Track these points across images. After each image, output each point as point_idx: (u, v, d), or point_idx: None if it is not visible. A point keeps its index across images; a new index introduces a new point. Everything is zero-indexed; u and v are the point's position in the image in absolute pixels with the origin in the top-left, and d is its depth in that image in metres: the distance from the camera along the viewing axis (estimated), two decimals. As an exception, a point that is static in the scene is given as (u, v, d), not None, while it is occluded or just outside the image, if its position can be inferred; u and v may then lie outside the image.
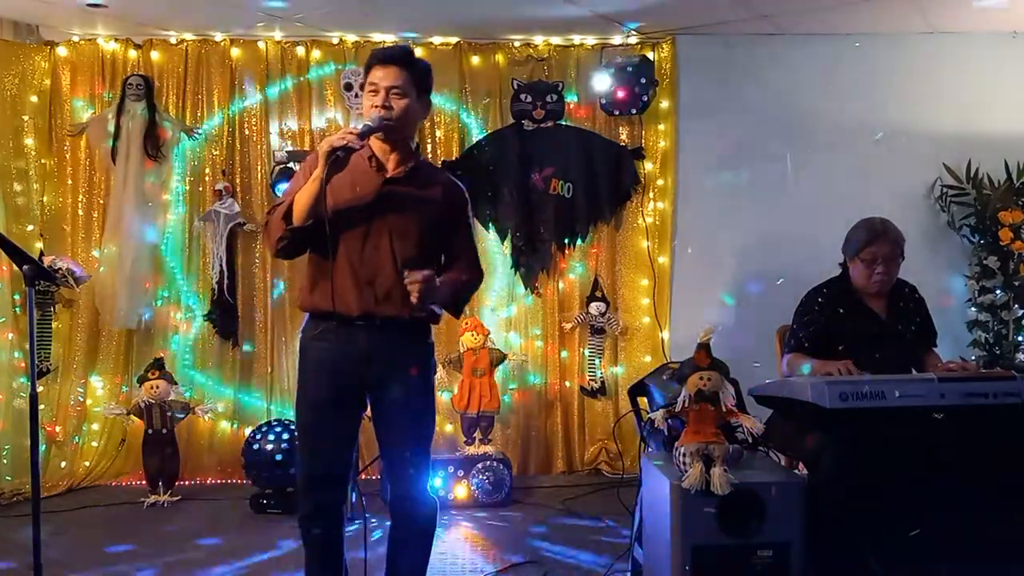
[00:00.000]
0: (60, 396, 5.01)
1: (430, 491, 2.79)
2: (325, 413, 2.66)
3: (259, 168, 5.15)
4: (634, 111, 5.14)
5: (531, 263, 5.24)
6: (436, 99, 5.20)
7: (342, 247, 2.60)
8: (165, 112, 5.09)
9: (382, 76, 2.60)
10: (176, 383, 4.80)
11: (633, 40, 5.23)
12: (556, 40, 5.24)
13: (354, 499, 4.34)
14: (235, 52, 5.14)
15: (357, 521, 4.24)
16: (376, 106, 2.59)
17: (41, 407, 3.40)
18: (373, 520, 4.23)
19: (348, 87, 5.05)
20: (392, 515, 2.78)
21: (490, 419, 4.79)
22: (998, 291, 4.97)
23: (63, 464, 4.94)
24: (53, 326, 4.99)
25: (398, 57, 2.64)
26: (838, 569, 2.78)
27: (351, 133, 2.51)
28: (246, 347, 5.15)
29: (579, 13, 4.75)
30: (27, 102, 5.01)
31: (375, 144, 2.66)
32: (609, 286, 5.27)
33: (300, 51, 5.16)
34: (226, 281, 5.04)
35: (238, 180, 5.15)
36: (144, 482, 4.71)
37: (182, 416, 4.73)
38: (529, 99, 5.12)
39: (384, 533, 2.87)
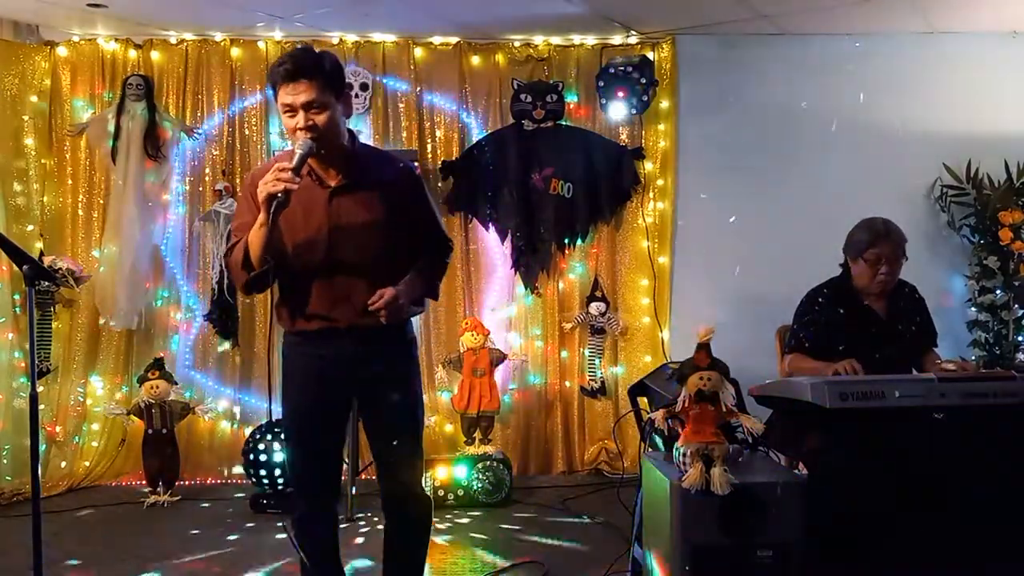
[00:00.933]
0: (60, 396, 5.01)
1: (424, 489, 2.78)
2: (312, 417, 2.65)
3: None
4: (634, 111, 5.14)
5: (531, 263, 5.24)
6: (436, 99, 5.22)
7: (310, 270, 2.56)
8: (165, 112, 5.09)
9: (294, 94, 2.43)
10: (176, 383, 4.81)
11: (633, 40, 5.23)
12: (556, 40, 5.24)
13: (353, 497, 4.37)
14: (235, 52, 5.14)
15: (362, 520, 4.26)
16: (300, 128, 2.44)
17: (41, 407, 3.40)
18: (363, 520, 4.23)
19: (348, 87, 5.04)
20: (386, 515, 2.77)
21: (490, 419, 4.79)
22: (998, 291, 4.97)
23: (63, 464, 4.94)
24: (53, 326, 4.99)
25: (305, 69, 2.43)
26: (838, 569, 2.78)
27: (284, 171, 2.37)
28: (246, 347, 5.15)
29: (579, 13, 4.75)
30: (27, 102, 5.01)
31: (311, 162, 2.54)
32: (609, 286, 5.27)
33: (300, 51, 5.16)
34: (226, 281, 5.03)
35: (238, 180, 5.15)
36: (144, 482, 4.71)
37: (182, 416, 4.74)
38: (529, 99, 5.11)
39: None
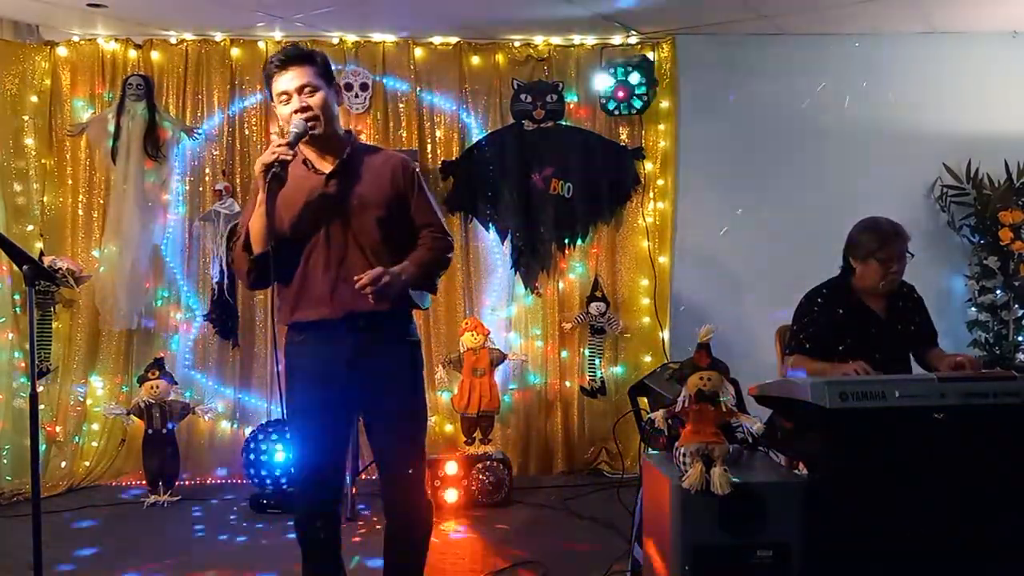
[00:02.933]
0: (60, 396, 5.01)
1: (426, 492, 2.78)
2: (316, 418, 2.65)
3: (259, 168, 5.15)
4: (634, 111, 5.13)
5: (531, 263, 5.24)
6: (436, 99, 5.22)
7: (310, 256, 2.60)
8: (165, 112, 5.09)
9: (288, 80, 2.57)
10: (176, 383, 4.81)
11: (633, 40, 5.23)
12: (556, 40, 5.24)
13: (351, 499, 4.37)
14: (235, 52, 5.14)
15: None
16: (295, 111, 2.56)
17: (41, 407, 3.41)
18: (363, 520, 4.23)
19: (348, 87, 5.05)
20: (387, 517, 2.78)
21: (490, 419, 4.79)
22: (998, 291, 4.97)
23: (63, 464, 4.94)
24: (53, 326, 4.99)
25: (296, 57, 2.60)
26: (838, 569, 2.78)
27: (280, 146, 2.49)
28: (246, 347, 5.15)
29: (579, 13, 4.75)
30: (27, 102, 5.01)
31: (306, 151, 2.65)
32: (609, 286, 5.27)
33: (300, 51, 5.16)
34: (226, 281, 5.04)
35: (238, 180, 5.16)
36: (144, 482, 4.72)
37: (182, 416, 4.74)
38: (529, 99, 5.11)
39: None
